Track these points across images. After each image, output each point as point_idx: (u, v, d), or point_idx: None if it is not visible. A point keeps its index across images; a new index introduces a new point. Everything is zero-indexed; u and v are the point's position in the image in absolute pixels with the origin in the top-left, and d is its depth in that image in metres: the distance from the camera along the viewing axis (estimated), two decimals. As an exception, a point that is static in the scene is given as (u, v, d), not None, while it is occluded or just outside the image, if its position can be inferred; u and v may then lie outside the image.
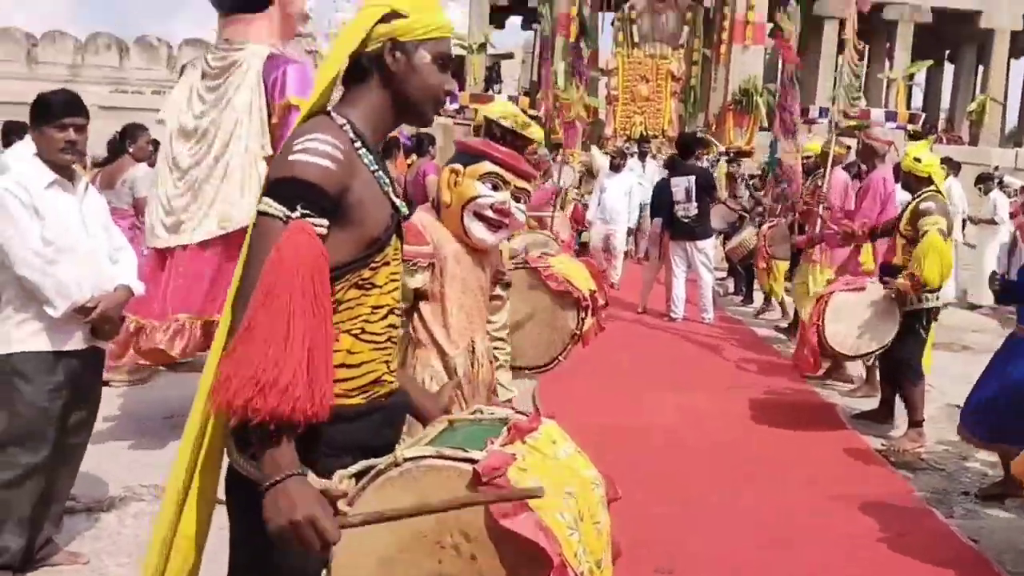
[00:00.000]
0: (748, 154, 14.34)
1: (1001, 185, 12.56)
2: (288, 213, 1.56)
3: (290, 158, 1.61)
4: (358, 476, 1.62)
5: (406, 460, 1.62)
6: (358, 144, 1.70)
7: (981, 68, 27.44)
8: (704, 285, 9.32)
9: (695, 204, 9.16)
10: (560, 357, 3.73)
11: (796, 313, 8.58)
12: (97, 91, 21.12)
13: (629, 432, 5.21)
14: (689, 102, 19.06)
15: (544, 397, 5.48)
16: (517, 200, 2.90)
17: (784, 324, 9.08)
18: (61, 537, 3.47)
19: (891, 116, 17.43)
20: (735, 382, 6.87)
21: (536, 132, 3.72)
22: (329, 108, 1.75)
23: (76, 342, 3.20)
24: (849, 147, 8.70)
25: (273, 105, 4.42)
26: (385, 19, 1.73)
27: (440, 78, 1.79)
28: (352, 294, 1.69)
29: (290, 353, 1.47)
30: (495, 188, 2.82)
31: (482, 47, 24.58)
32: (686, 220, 9.18)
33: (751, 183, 11.74)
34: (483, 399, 2.82)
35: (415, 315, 2.87)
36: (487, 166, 2.84)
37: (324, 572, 1.64)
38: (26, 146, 3.35)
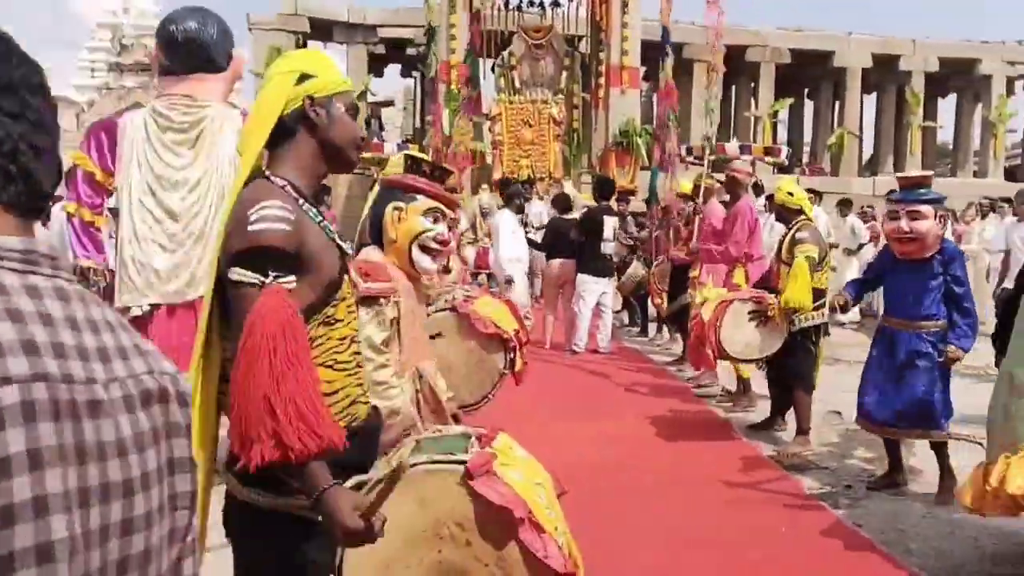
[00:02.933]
0: (632, 192, 15.01)
1: (861, 214, 13.58)
2: (261, 279, 1.77)
3: (250, 228, 1.79)
4: (356, 488, 1.85)
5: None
6: (300, 201, 1.90)
7: (837, 104, 29.32)
8: (608, 318, 9.84)
9: (614, 243, 9.77)
10: (490, 395, 3.95)
11: (684, 339, 9.13)
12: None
13: (542, 459, 5.48)
14: (572, 144, 19.72)
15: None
16: (449, 229, 3.15)
17: (677, 351, 9.62)
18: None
19: (745, 149, 18.55)
20: (636, 405, 7.27)
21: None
22: (265, 171, 1.94)
23: None
24: (719, 181, 9.35)
25: None
26: (298, 81, 1.94)
27: (355, 125, 2.04)
28: (321, 331, 1.91)
29: (292, 404, 1.68)
30: (435, 221, 3.10)
31: (362, 95, 24.81)
32: (609, 257, 9.71)
33: (637, 220, 12.38)
34: (435, 421, 3.07)
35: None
36: (427, 202, 3.06)
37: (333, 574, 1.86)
38: None
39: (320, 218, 1.94)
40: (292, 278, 1.81)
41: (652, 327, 11.37)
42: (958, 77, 28.73)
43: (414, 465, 1.91)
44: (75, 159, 4.73)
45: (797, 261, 5.71)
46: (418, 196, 3.08)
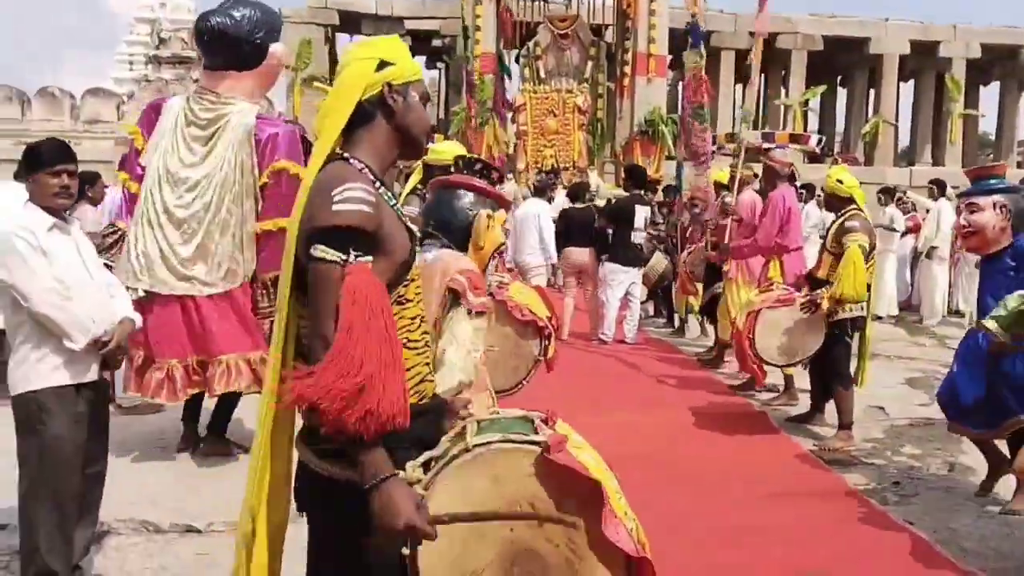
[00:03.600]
0: (657, 182, 14.65)
1: (900, 202, 13.09)
2: (344, 257, 1.81)
3: (334, 208, 1.83)
4: (425, 465, 1.90)
5: (476, 446, 1.90)
6: (377, 184, 1.95)
7: (872, 92, 28.74)
8: (636, 308, 9.54)
9: (644, 233, 9.46)
10: (524, 381, 3.92)
11: (716, 332, 8.80)
12: (-2, 143, 20.61)
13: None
14: (597, 134, 19.44)
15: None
16: None
17: (708, 343, 9.27)
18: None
19: (768, 136, 18.15)
20: (669, 396, 6.98)
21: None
22: (343, 153, 1.97)
23: (92, 374, 3.37)
24: (755, 172, 8.97)
25: (263, 165, 4.66)
26: (378, 68, 1.99)
27: (427, 113, 2.09)
28: (395, 311, 1.91)
29: (382, 376, 1.76)
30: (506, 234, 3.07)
31: (388, 86, 24.84)
32: (639, 247, 9.41)
33: (661, 211, 12.02)
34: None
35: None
36: (503, 214, 3.15)
37: (406, 550, 1.85)
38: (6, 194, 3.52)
39: (393, 201, 1.99)
40: (370, 258, 1.84)
41: (678, 318, 10.99)
42: (1002, 64, 28.03)
43: (487, 443, 1.92)
44: (130, 132, 5.04)
45: (850, 250, 5.47)
46: (496, 204, 3.20)
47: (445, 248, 3.10)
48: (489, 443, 1.91)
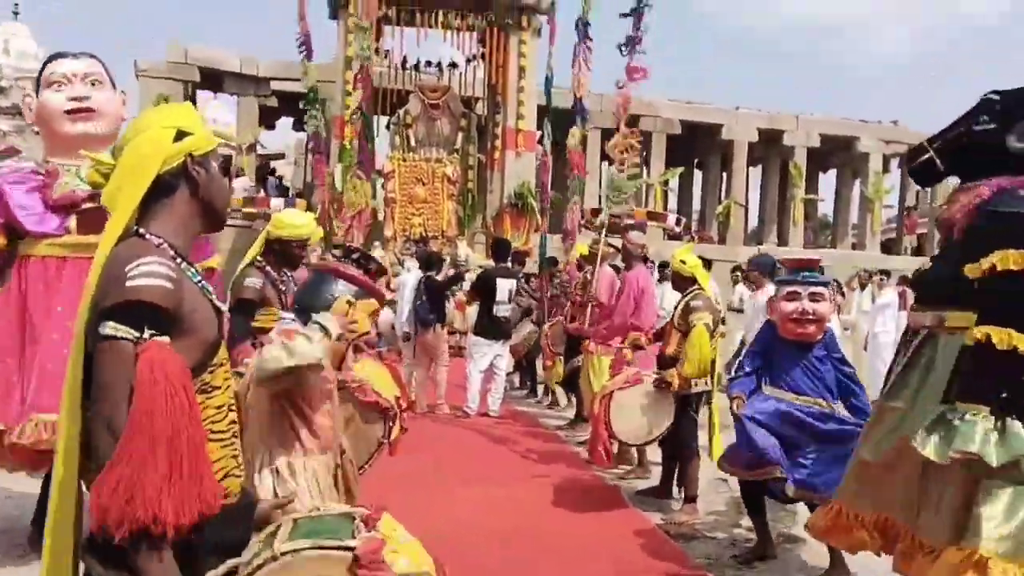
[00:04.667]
0: (527, 254, 15.00)
1: (746, 280, 13.82)
2: (137, 335, 1.68)
3: (128, 284, 1.70)
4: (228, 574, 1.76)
5: (284, 553, 1.77)
6: (178, 259, 1.83)
7: (725, 175, 30.37)
8: (500, 380, 9.64)
9: (511, 305, 9.57)
10: (366, 466, 3.77)
11: (578, 403, 9.05)
12: None
13: (427, 528, 5.19)
14: (467, 204, 19.73)
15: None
16: None
17: (570, 414, 9.48)
18: None
19: (627, 215, 19.06)
20: (527, 471, 7.09)
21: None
22: (139, 229, 1.85)
23: None
24: (614, 246, 9.31)
25: None
26: (177, 138, 1.88)
27: (227, 184, 2.04)
28: (198, 399, 1.77)
29: (181, 463, 1.61)
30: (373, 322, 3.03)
31: (251, 147, 24.43)
32: (504, 320, 9.51)
33: (529, 283, 12.31)
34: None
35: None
36: (374, 303, 3.10)
37: None
38: None
39: (198, 277, 1.89)
40: (167, 339, 1.72)
41: (540, 389, 11.23)
42: (838, 153, 30.18)
43: (296, 551, 1.78)
44: None
45: (696, 329, 5.71)
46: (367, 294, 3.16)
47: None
48: (298, 550, 1.78)
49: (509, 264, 10.20)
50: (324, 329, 2.88)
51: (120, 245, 1.80)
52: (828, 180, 32.82)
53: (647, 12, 10.02)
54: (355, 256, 3.30)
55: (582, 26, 13.44)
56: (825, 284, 4.88)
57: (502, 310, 9.46)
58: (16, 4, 31.85)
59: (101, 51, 4.65)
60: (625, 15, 10.14)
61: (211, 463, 1.72)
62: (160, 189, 1.87)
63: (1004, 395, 2.85)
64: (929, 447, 2.92)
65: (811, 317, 4.74)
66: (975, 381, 2.95)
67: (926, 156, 3.34)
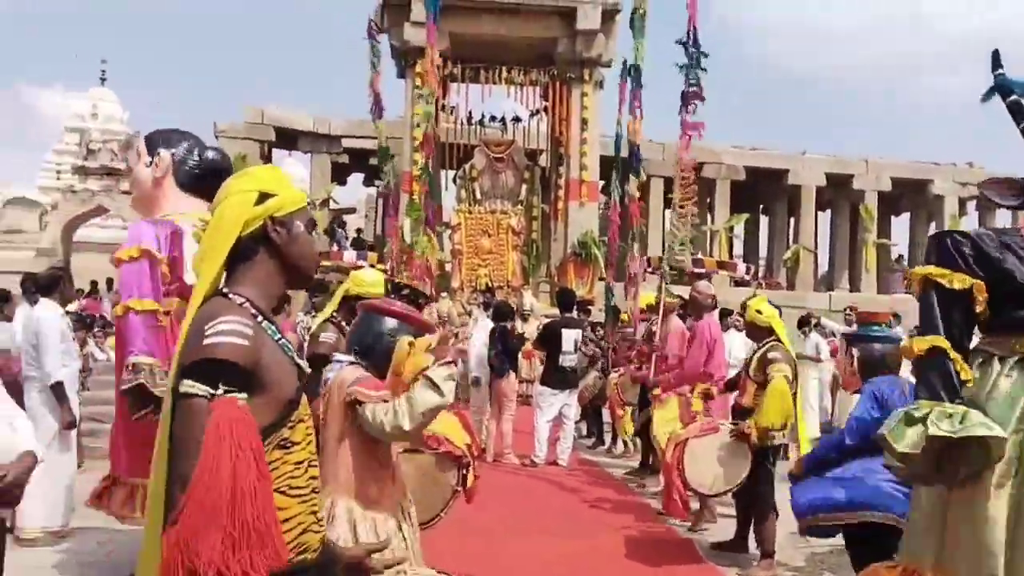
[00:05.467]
0: (591, 303, 15.00)
1: (818, 327, 13.59)
2: (211, 391, 1.71)
3: (205, 342, 1.74)
4: None
5: None
6: (259, 318, 1.87)
7: (792, 220, 30.00)
8: (569, 430, 9.62)
9: (577, 355, 9.59)
10: (442, 514, 3.81)
11: (646, 453, 8.97)
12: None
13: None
14: (531, 255, 19.88)
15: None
16: None
17: (635, 464, 9.39)
18: None
19: (698, 263, 18.93)
20: (599, 523, 7.00)
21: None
22: (223, 289, 1.90)
23: None
24: (680, 297, 9.26)
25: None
26: (259, 201, 1.93)
27: (313, 241, 2.04)
28: (277, 455, 1.82)
29: (246, 518, 1.60)
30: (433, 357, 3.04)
31: (324, 203, 25.03)
32: (570, 370, 9.53)
33: (595, 331, 12.32)
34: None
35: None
36: (430, 338, 3.09)
37: None
38: None
39: (279, 335, 1.91)
40: (244, 395, 1.74)
41: (608, 438, 11.16)
42: (911, 196, 29.60)
43: None
44: (139, 254, 4.26)
45: (776, 381, 5.64)
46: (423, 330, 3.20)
47: (350, 366, 3.13)
48: None
49: (574, 314, 10.23)
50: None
51: (204, 305, 1.85)
52: (901, 223, 32.12)
53: (701, 67, 10.02)
54: (405, 292, 3.34)
55: (633, 73, 13.58)
56: (880, 339, 4.61)
57: (568, 360, 9.48)
58: (103, 71, 33.37)
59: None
60: (682, 67, 10.17)
61: (278, 520, 1.71)
62: (243, 251, 1.92)
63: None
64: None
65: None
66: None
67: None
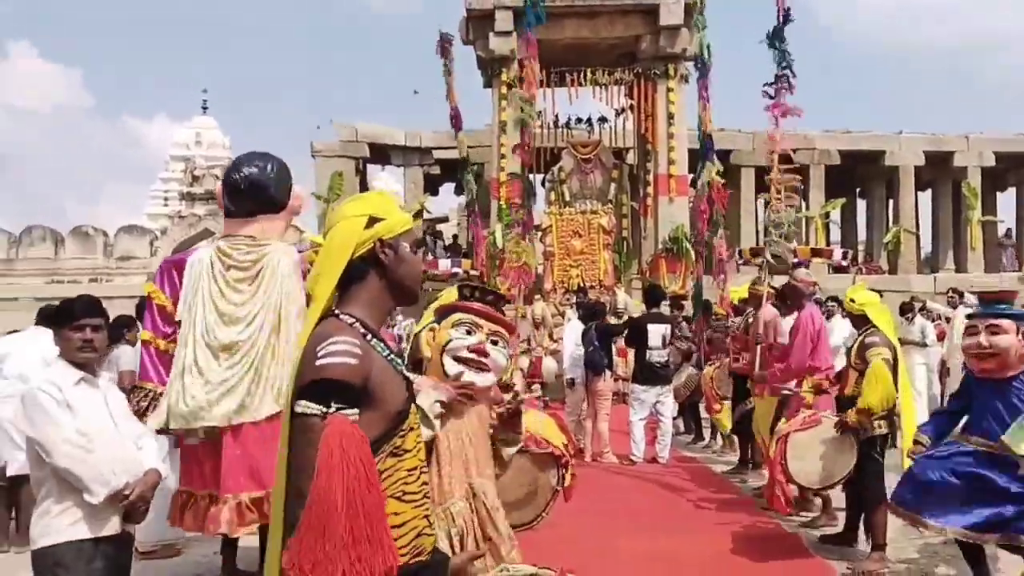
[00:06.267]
0: (684, 298, 14.93)
1: (924, 311, 13.22)
2: (324, 410, 1.81)
3: (317, 363, 1.85)
4: None
5: None
6: (369, 336, 1.96)
7: (891, 202, 29.07)
8: (666, 427, 9.61)
9: (667, 350, 9.59)
10: (544, 513, 3.87)
11: (744, 448, 8.92)
12: (31, 283, 21.21)
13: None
14: (622, 252, 19.85)
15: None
16: (495, 343, 3.13)
17: (735, 460, 9.34)
18: None
19: (792, 252, 18.53)
20: (702, 520, 7.01)
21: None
22: (335, 310, 2.01)
23: (112, 527, 3.35)
24: (772, 287, 9.07)
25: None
26: (368, 224, 2.03)
27: (419, 260, 2.14)
28: (390, 462, 1.92)
29: (359, 528, 1.70)
30: (468, 332, 3.08)
31: (418, 214, 25.51)
32: (659, 365, 9.55)
33: (690, 326, 12.25)
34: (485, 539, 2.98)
35: None
36: (458, 315, 3.13)
37: None
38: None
39: (388, 352, 1.99)
40: (355, 411, 1.83)
41: (707, 433, 11.10)
42: (1016, 171, 28.36)
43: None
44: (149, 291, 5.05)
45: (875, 364, 5.59)
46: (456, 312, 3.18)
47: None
48: None
49: (662, 309, 10.20)
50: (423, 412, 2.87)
51: (318, 326, 1.94)
52: (1007, 199, 30.73)
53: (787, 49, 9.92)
54: (483, 294, 3.32)
55: (700, 65, 13.50)
56: (1010, 316, 4.55)
57: (656, 356, 9.48)
58: (204, 101, 34.82)
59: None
60: (772, 45, 10.07)
61: (389, 529, 1.79)
62: (354, 273, 2.01)
63: None
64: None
65: (988, 351, 4.51)
66: None
67: None
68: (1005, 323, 4.52)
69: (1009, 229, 28.67)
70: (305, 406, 1.82)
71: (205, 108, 35.59)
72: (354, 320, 1.97)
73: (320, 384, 1.82)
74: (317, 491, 1.71)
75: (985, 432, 4.56)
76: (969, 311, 7.09)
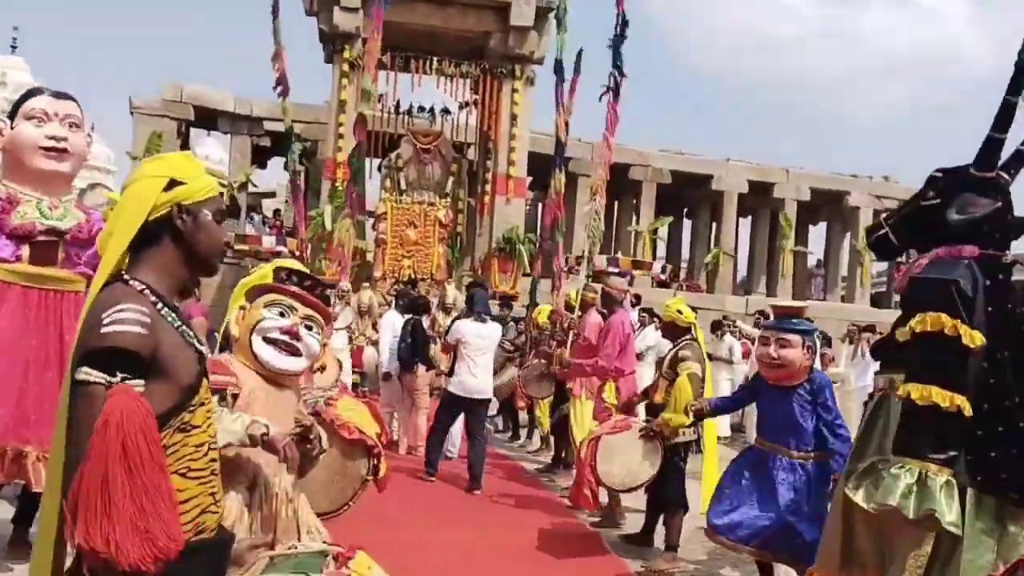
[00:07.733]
0: (514, 298, 15.02)
1: (733, 331, 13.91)
2: (109, 379, 1.74)
3: (102, 330, 1.76)
4: None
5: None
6: (159, 305, 1.88)
7: (715, 224, 30.53)
8: None
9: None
10: (351, 502, 3.77)
11: (559, 449, 9.01)
12: None
13: (404, 570, 5.11)
14: (456, 248, 19.77)
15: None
16: (309, 328, 2.96)
17: (547, 459, 9.42)
18: None
19: (613, 262, 19.14)
20: (508, 516, 7.02)
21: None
22: (125, 274, 1.90)
23: None
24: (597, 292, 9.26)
25: None
26: (168, 187, 1.94)
27: (221, 231, 2.05)
28: (177, 438, 1.85)
29: (135, 501, 1.64)
30: (282, 315, 2.88)
31: (243, 186, 24.48)
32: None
33: (517, 326, 12.34)
34: (293, 535, 2.77)
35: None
36: (271, 295, 2.97)
37: None
38: None
39: (179, 322, 1.92)
40: (141, 382, 1.78)
41: (523, 432, 11.18)
42: (828, 206, 30.38)
43: None
44: None
45: (680, 379, 5.78)
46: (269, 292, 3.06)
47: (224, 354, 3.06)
48: None
49: (493, 309, 10.18)
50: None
51: (104, 290, 1.85)
52: (818, 233, 32.98)
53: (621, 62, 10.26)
54: (303, 281, 3.16)
55: (557, 68, 13.66)
56: (797, 331, 4.89)
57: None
58: (14, 39, 32.16)
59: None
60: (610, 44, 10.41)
61: (175, 502, 1.73)
62: (147, 236, 1.92)
63: (932, 450, 2.97)
64: (860, 495, 3.04)
65: (776, 362, 4.83)
66: (905, 435, 3.07)
67: (882, 231, 3.56)
68: (793, 337, 4.86)
69: (819, 260, 30.68)
70: (87, 373, 1.74)
71: (14, 47, 32.92)
72: (144, 286, 1.88)
73: (105, 352, 1.75)
74: (90, 462, 1.64)
75: (777, 437, 4.93)
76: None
